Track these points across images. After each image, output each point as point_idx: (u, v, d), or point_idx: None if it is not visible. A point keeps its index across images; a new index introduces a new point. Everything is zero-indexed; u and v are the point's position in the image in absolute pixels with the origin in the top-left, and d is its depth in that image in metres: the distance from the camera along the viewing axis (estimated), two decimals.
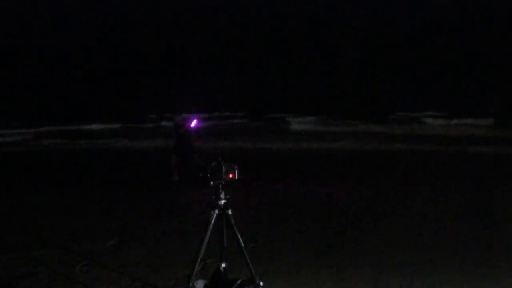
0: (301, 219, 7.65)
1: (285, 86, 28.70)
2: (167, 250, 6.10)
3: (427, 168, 12.06)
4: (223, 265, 3.92)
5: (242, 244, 3.83)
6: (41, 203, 9.22)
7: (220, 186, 3.84)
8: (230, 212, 3.83)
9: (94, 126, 23.35)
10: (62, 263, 5.64)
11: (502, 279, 4.94)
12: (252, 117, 24.45)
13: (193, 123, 10.53)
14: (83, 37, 35.42)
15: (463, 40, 32.82)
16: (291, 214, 8.06)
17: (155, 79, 29.56)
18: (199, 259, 3.78)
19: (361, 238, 6.53)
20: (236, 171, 3.85)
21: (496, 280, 4.90)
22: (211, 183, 3.84)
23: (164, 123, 21.46)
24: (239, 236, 3.81)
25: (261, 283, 3.88)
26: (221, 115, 24.85)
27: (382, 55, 31.12)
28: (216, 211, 3.82)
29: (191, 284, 3.79)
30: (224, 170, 3.82)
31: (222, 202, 3.84)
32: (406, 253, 5.83)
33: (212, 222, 3.80)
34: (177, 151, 10.26)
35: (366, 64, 30.25)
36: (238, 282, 3.80)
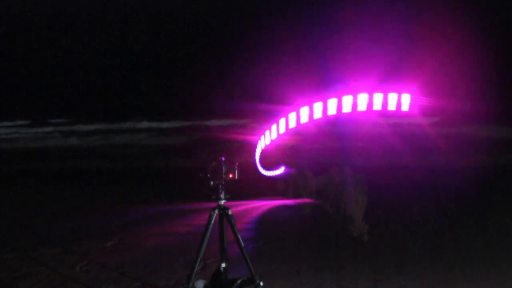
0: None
1: None
2: (167, 250, 6.10)
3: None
4: (223, 265, 3.92)
5: (242, 244, 3.82)
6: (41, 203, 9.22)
7: (220, 186, 3.83)
8: (230, 212, 3.83)
9: None
10: (62, 263, 5.64)
11: (503, 279, 4.93)
12: None
13: None
14: None
15: None
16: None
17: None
18: (199, 259, 3.77)
19: (361, 238, 6.54)
20: (236, 171, 3.84)
21: (496, 280, 4.90)
22: (211, 183, 3.83)
23: None
24: (239, 236, 3.81)
25: (261, 283, 3.88)
26: None
27: None
28: (216, 211, 3.81)
29: (191, 284, 3.78)
30: (224, 170, 3.80)
31: (222, 202, 3.83)
32: (406, 253, 5.83)
33: (212, 222, 3.79)
34: None
35: None
36: (238, 282, 3.80)
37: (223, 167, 3.80)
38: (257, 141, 8.50)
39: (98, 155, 18.08)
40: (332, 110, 5.70)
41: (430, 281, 4.90)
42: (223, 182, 3.83)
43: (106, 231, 7.06)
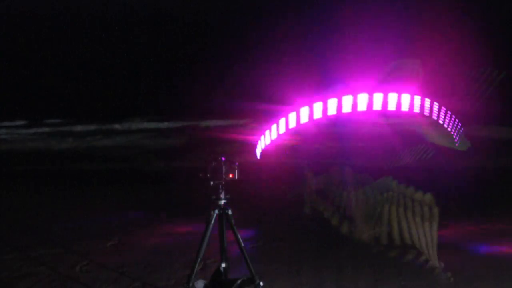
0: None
1: None
2: (167, 250, 6.10)
3: None
4: (223, 265, 3.92)
5: (242, 244, 3.82)
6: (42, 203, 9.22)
7: (220, 186, 3.84)
8: (230, 212, 3.83)
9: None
10: (62, 263, 5.64)
11: (503, 279, 4.93)
12: None
13: None
14: None
15: None
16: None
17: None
18: (199, 259, 3.77)
19: (361, 239, 6.54)
20: (236, 171, 3.84)
21: (496, 280, 4.90)
22: (211, 183, 3.83)
23: None
24: (239, 236, 3.81)
25: (261, 283, 3.88)
26: None
27: None
28: (216, 211, 3.81)
29: (191, 284, 3.78)
30: (224, 170, 3.81)
31: (222, 202, 3.83)
32: (406, 253, 5.83)
33: (212, 222, 3.79)
34: None
35: None
36: (238, 282, 3.80)
37: (223, 167, 3.81)
38: (257, 141, 8.52)
39: (98, 155, 18.09)
40: (332, 110, 5.71)
41: (430, 281, 4.90)
42: (223, 182, 3.83)
43: (106, 231, 7.07)
